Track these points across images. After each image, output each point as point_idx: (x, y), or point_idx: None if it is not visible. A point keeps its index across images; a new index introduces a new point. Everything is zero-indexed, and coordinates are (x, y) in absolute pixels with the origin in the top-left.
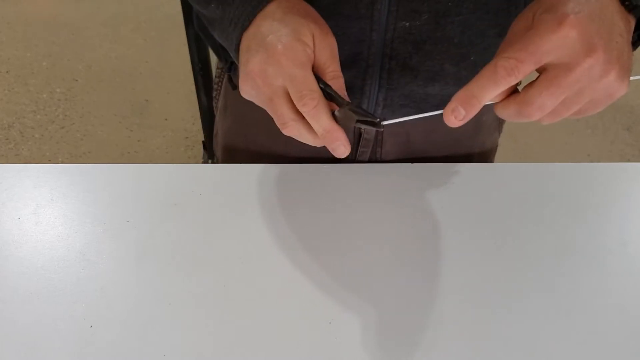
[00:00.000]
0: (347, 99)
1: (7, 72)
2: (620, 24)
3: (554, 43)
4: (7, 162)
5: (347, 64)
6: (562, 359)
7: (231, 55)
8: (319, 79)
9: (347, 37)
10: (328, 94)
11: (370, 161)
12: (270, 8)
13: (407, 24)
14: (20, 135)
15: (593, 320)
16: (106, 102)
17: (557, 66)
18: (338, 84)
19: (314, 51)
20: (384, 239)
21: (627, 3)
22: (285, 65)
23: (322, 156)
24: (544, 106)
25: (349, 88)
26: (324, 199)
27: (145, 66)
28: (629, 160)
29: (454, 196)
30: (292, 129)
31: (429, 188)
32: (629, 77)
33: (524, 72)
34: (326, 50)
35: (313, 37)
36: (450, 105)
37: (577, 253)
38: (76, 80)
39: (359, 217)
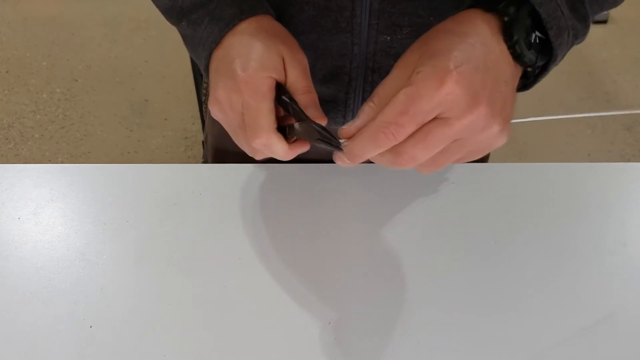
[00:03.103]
0: (320, 112)
1: (7, 72)
2: (507, 70)
3: (436, 101)
4: (7, 162)
5: (330, 77)
6: (562, 359)
7: (202, 71)
8: (285, 92)
9: (328, 51)
10: (293, 109)
11: None
12: (240, 28)
13: (389, 37)
14: (20, 135)
15: (593, 320)
16: (106, 102)
17: (436, 119)
18: (310, 98)
19: (285, 71)
20: (383, 238)
21: (511, 51)
22: (244, 93)
23: (310, 157)
24: (416, 158)
25: (332, 101)
26: (324, 199)
27: (145, 66)
28: (629, 160)
29: (453, 196)
30: (261, 153)
31: (427, 188)
32: (509, 127)
33: (406, 133)
34: (296, 69)
35: (283, 58)
36: (338, 157)
37: (577, 253)
38: (76, 80)
39: (358, 217)
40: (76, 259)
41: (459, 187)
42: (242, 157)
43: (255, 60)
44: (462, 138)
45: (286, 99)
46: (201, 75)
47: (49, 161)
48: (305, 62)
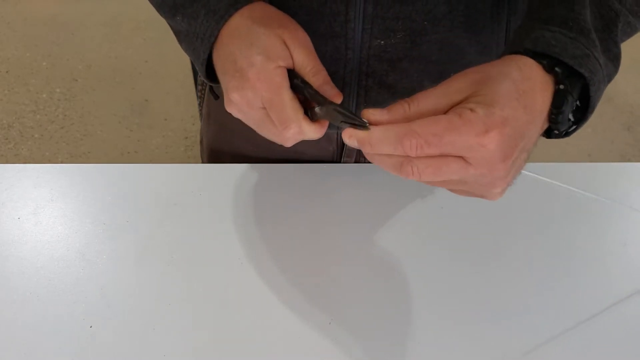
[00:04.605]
0: (334, 90)
1: (7, 72)
2: (535, 138)
3: (470, 145)
4: (6, 162)
5: None
6: (562, 359)
7: (197, 68)
8: (296, 76)
9: (322, 56)
10: (309, 92)
11: None
12: (235, 22)
13: (382, 42)
14: (20, 135)
15: (593, 320)
16: (106, 102)
17: (458, 157)
18: (321, 78)
19: (291, 55)
20: (384, 239)
21: (552, 117)
22: (260, 89)
23: (305, 158)
24: (421, 176)
25: None
26: (324, 199)
27: (145, 66)
28: (629, 160)
29: (453, 196)
30: (294, 140)
31: (427, 188)
32: (506, 190)
33: (427, 153)
34: (301, 50)
35: (285, 43)
36: (349, 132)
37: (577, 253)
38: (76, 80)
39: (358, 218)
40: (76, 259)
41: None
42: (237, 158)
43: (260, 53)
44: (468, 182)
45: (299, 83)
46: None
47: (49, 161)
48: (307, 39)
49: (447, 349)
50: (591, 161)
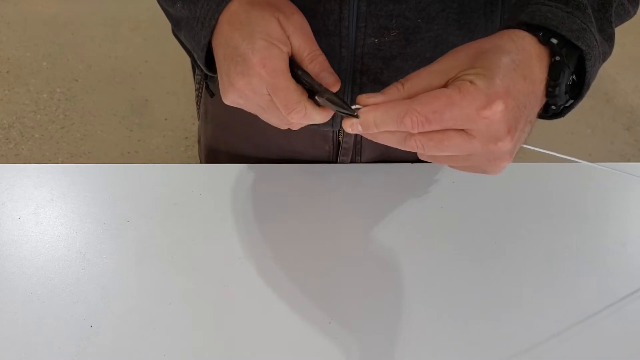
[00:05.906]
0: (332, 77)
1: (7, 72)
2: (536, 110)
3: (472, 118)
4: (7, 162)
5: None
6: (562, 358)
7: (195, 55)
8: (297, 66)
9: None
10: (307, 82)
11: None
12: (234, 7)
13: (376, 40)
14: (20, 135)
15: (593, 320)
16: (106, 102)
17: (461, 130)
18: (319, 65)
19: (289, 40)
20: (383, 239)
21: (549, 89)
22: (265, 76)
23: (302, 157)
24: (425, 150)
25: None
26: (324, 199)
27: (145, 66)
28: (629, 160)
29: (453, 196)
30: (299, 124)
31: (427, 187)
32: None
33: (430, 129)
34: (297, 34)
35: (282, 26)
36: (348, 122)
37: (577, 253)
38: (76, 80)
39: (358, 217)
40: (76, 259)
41: (459, 187)
42: (234, 158)
43: (262, 39)
44: (473, 157)
45: (298, 72)
46: None
47: (49, 161)
48: (304, 22)
49: (448, 347)
50: (591, 161)
